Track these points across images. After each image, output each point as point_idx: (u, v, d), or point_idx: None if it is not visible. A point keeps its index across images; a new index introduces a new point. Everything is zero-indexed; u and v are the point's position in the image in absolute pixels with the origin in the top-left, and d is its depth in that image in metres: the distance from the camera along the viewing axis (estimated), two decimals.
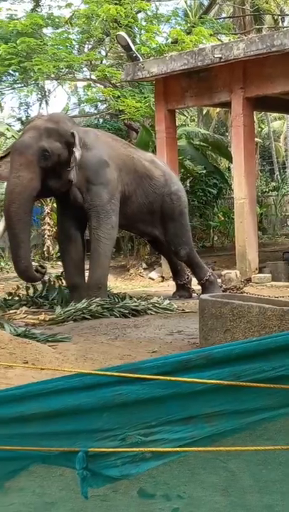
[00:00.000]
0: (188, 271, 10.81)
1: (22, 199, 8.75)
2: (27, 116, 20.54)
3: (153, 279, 13.26)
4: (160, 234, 10.35)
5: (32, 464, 1.94)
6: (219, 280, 11.10)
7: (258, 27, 20.92)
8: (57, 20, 17.18)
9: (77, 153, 8.84)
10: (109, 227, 9.32)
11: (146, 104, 14.99)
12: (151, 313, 8.80)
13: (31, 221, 10.12)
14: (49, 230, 16.20)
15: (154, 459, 1.76)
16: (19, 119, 20.84)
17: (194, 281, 10.82)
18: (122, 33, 14.63)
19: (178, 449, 1.67)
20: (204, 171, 16.69)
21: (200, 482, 1.87)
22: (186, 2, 22.22)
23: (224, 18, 22.27)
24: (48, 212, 16.19)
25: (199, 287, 10.67)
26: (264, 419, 1.72)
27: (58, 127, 9.01)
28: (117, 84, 15.95)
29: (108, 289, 9.83)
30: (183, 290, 10.66)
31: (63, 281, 9.83)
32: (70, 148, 8.90)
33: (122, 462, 1.76)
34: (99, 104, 19.88)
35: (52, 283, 9.98)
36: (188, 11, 21.72)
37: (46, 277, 9.85)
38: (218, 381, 1.62)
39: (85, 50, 17.89)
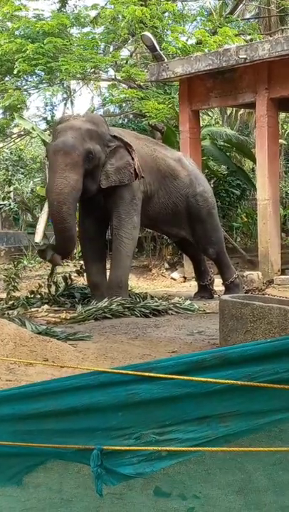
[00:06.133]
0: (212, 272, 10.80)
1: (72, 200, 8.66)
2: (52, 116, 20.56)
3: (175, 280, 13.24)
4: (187, 234, 10.29)
5: (48, 460, 1.95)
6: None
7: (283, 28, 20.74)
8: (82, 19, 17.16)
9: (135, 161, 9.04)
10: (131, 227, 9.28)
11: (170, 106, 14.94)
12: (172, 314, 8.78)
13: None
14: None
15: (169, 458, 1.77)
16: (44, 118, 20.87)
17: (217, 282, 10.80)
18: (147, 34, 14.60)
19: (192, 448, 1.68)
20: (227, 172, 16.61)
21: (216, 482, 1.87)
22: (210, 3, 22.12)
23: (249, 18, 22.10)
24: None
25: (221, 288, 10.63)
26: (279, 421, 1.72)
27: (98, 129, 9.01)
28: (142, 85, 15.90)
29: (130, 288, 9.82)
30: (205, 291, 10.62)
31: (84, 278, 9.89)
32: (106, 151, 8.97)
33: (137, 460, 1.77)
34: (123, 104, 19.84)
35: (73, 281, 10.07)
36: (213, 11, 21.62)
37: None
38: (232, 381, 1.63)
39: (111, 50, 17.86)
